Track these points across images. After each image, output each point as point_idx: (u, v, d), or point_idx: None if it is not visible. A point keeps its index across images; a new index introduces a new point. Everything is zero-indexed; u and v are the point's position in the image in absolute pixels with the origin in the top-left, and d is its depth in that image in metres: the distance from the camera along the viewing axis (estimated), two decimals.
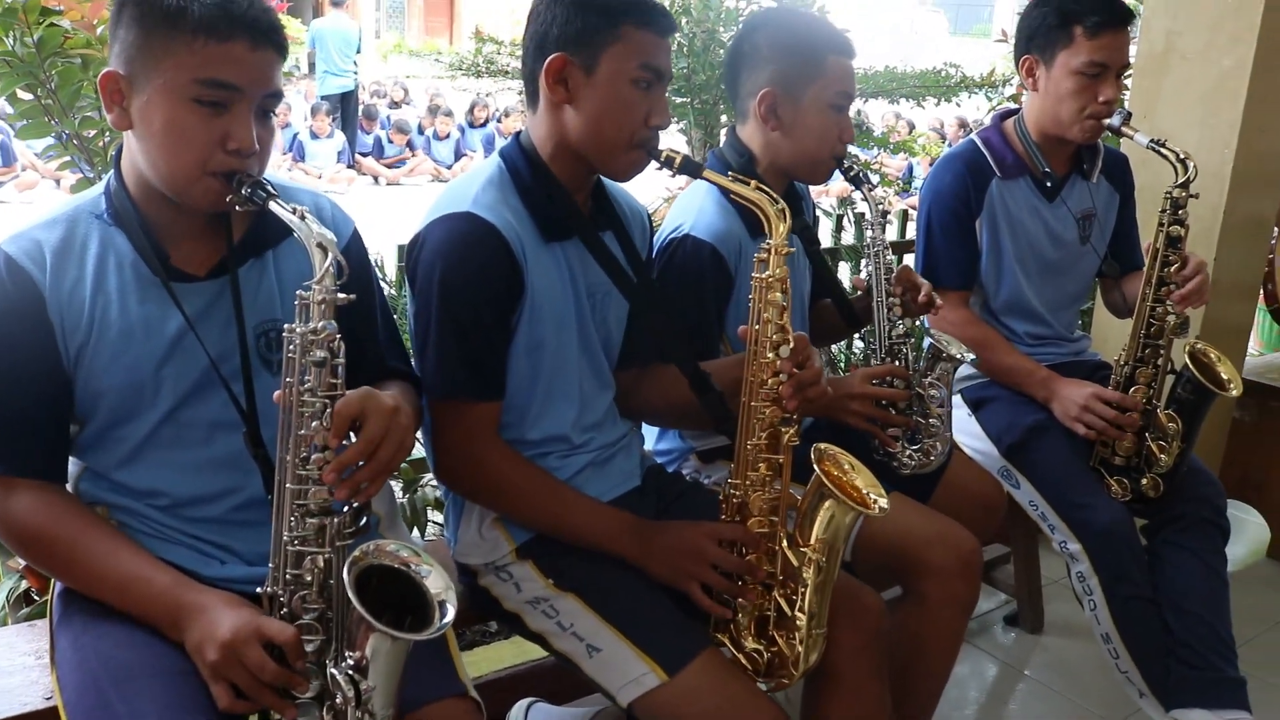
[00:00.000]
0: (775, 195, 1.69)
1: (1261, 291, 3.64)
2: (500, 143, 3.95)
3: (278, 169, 11.27)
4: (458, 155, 12.42)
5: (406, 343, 1.80)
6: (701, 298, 2.00)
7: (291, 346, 1.34)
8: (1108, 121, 2.35)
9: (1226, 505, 2.43)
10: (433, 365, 1.69)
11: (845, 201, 4.08)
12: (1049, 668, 2.82)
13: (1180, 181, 2.25)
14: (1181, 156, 2.25)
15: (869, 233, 2.12)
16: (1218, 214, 3.01)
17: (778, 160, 2.11)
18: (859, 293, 2.19)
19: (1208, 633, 2.29)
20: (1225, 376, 2.27)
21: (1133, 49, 3.63)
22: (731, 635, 1.71)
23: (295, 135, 11.74)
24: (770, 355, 1.68)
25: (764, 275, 1.68)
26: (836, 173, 2.14)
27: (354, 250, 1.66)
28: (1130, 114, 2.35)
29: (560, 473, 1.80)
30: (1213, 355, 2.30)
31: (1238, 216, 3.04)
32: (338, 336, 1.35)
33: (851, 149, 2.16)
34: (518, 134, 1.81)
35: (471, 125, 12.75)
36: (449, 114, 12.76)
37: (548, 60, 1.68)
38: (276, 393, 1.36)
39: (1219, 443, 3.38)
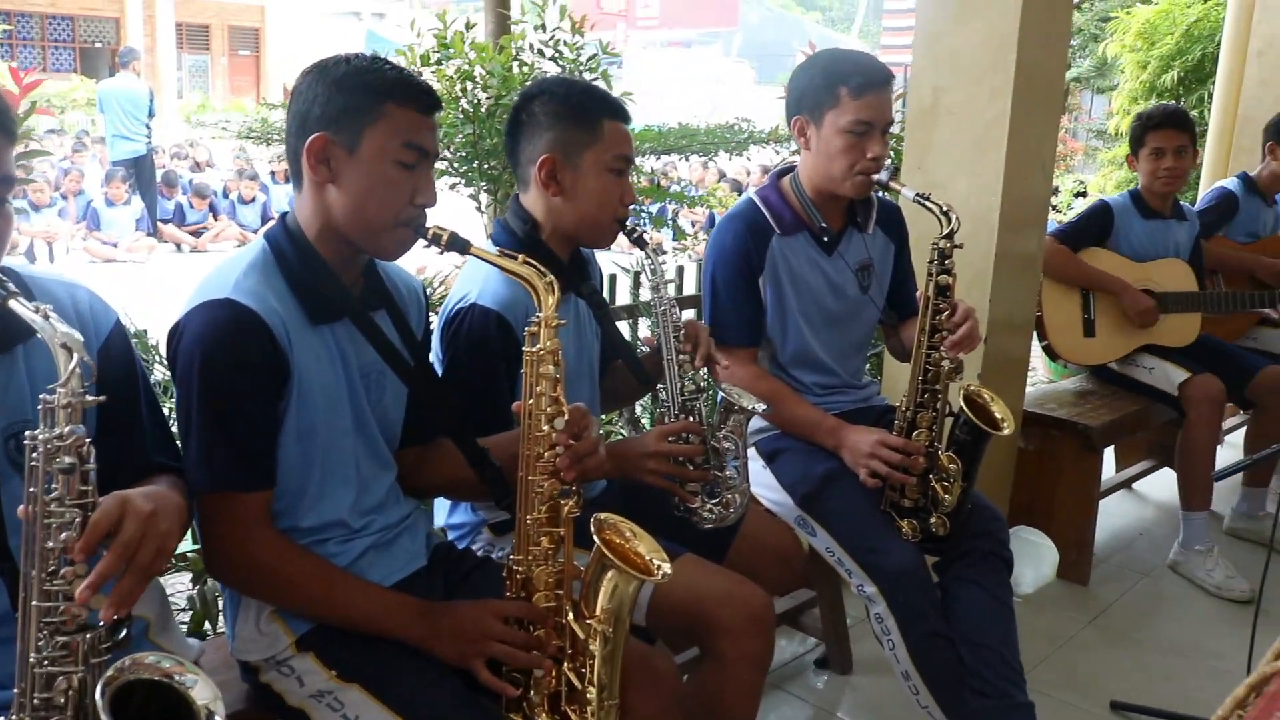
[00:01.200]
0: (543, 269, 1.70)
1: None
2: None
3: (71, 238, 10.81)
4: (264, 219, 12.09)
5: None
6: (491, 369, 1.99)
7: (35, 454, 1.26)
8: (876, 177, 2.44)
9: (1009, 538, 2.55)
10: (196, 457, 1.62)
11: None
12: (859, 707, 2.88)
13: (945, 233, 2.34)
14: (945, 209, 2.35)
15: (655, 292, 2.15)
16: (989, 256, 3.18)
17: (561, 226, 2.13)
18: (649, 350, 2.21)
19: (998, 662, 2.37)
20: (999, 416, 2.38)
21: (901, 104, 3.87)
22: (524, 713, 1.68)
23: (89, 203, 11.20)
24: (545, 428, 1.68)
25: (534, 349, 1.67)
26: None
27: (116, 344, 1.59)
28: (897, 168, 2.47)
29: (339, 559, 1.75)
30: (986, 396, 2.40)
31: (1008, 257, 3.21)
32: (86, 441, 1.27)
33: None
34: (283, 215, 1.76)
35: (275, 180, 12.43)
36: (254, 177, 12.44)
37: (309, 140, 1.65)
38: (21, 507, 1.27)
39: (1006, 472, 3.54)
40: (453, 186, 3.06)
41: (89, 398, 1.28)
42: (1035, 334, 3.86)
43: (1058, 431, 3.53)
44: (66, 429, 1.26)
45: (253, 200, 12.26)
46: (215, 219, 11.83)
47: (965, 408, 2.34)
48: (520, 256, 1.71)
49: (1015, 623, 2.46)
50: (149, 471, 1.59)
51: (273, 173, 12.48)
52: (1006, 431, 2.34)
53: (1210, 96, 6.33)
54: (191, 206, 11.78)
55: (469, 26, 2.93)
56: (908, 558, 2.38)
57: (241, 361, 1.59)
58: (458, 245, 1.72)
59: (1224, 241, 4.24)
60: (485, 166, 2.94)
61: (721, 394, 2.12)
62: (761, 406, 2.12)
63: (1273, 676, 1.14)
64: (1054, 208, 9.51)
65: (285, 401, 1.66)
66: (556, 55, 3.05)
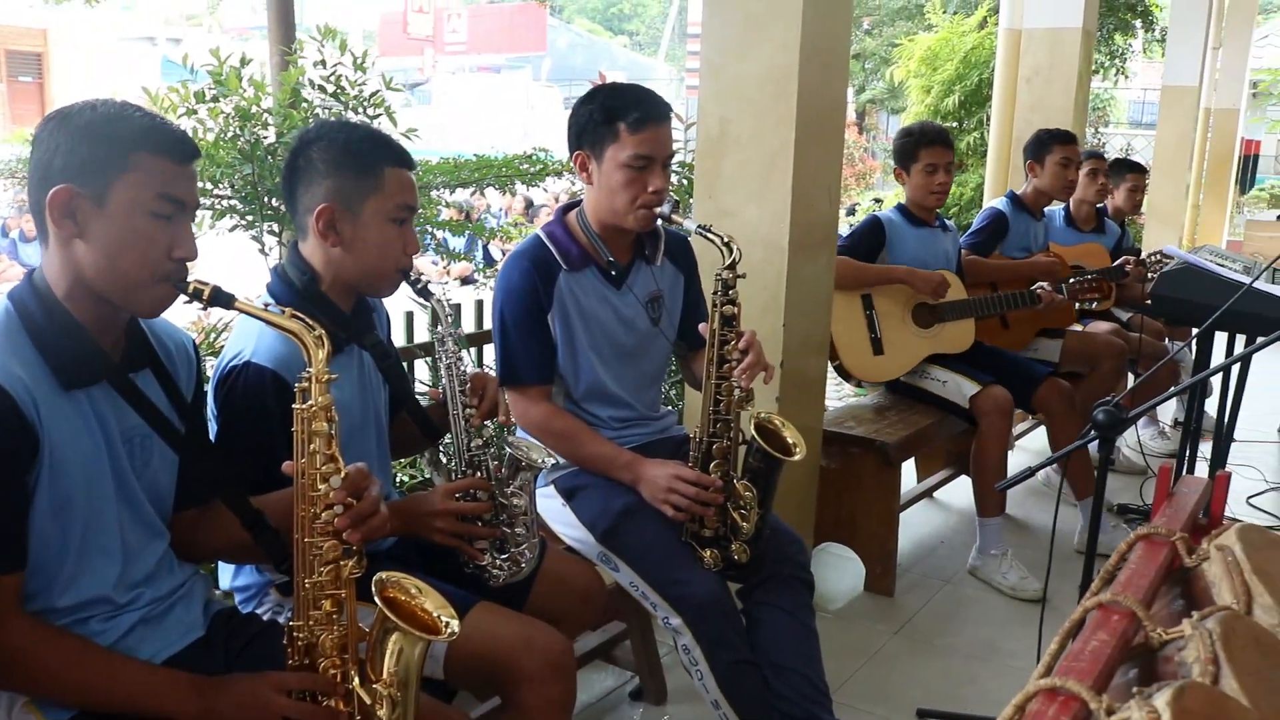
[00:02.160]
0: (311, 323, 1.63)
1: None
2: None
3: None
4: None
5: None
6: (267, 429, 1.88)
7: None
8: (659, 210, 2.46)
9: (809, 560, 2.60)
10: None
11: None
12: None
13: (728, 263, 2.36)
14: (726, 240, 2.38)
15: (441, 345, 2.10)
16: (782, 279, 3.23)
17: (341, 276, 2.06)
18: (435, 403, 2.16)
19: (804, 684, 2.42)
20: (791, 441, 2.42)
21: (688, 135, 3.94)
22: None
23: None
24: (322, 487, 1.61)
25: (305, 406, 1.61)
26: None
27: None
28: (678, 202, 2.49)
29: (104, 637, 1.63)
30: (777, 422, 2.44)
31: (799, 279, 3.27)
32: None
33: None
34: (30, 272, 1.64)
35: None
36: None
37: (51, 192, 1.53)
38: None
39: (810, 490, 3.61)
40: (233, 229, 2.93)
41: None
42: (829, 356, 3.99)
43: (857, 449, 3.63)
44: None
45: (35, 239, 11.52)
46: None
47: (757, 435, 2.37)
48: (288, 311, 1.64)
49: (818, 644, 2.51)
50: None
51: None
52: (798, 457, 2.38)
53: (989, 119, 6.70)
54: None
55: (244, 62, 2.82)
56: (710, 587, 2.40)
57: None
58: (221, 300, 1.63)
59: (1001, 259, 4.47)
60: (267, 208, 2.84)
61: (509, 449, 2.08)
62: (551, 460, 2.11)
63: (1036, 694, 1.17)
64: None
65: (35, 475, 1.53)
66: (339, 92, 2.96)
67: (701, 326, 2.42)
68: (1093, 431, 2.25)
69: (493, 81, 38.37)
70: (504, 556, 2.07)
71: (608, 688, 3.05)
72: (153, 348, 1.74)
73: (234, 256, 3.14)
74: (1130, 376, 5.01)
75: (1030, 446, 5.44)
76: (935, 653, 3.31)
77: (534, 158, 4.23)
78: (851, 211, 12.91)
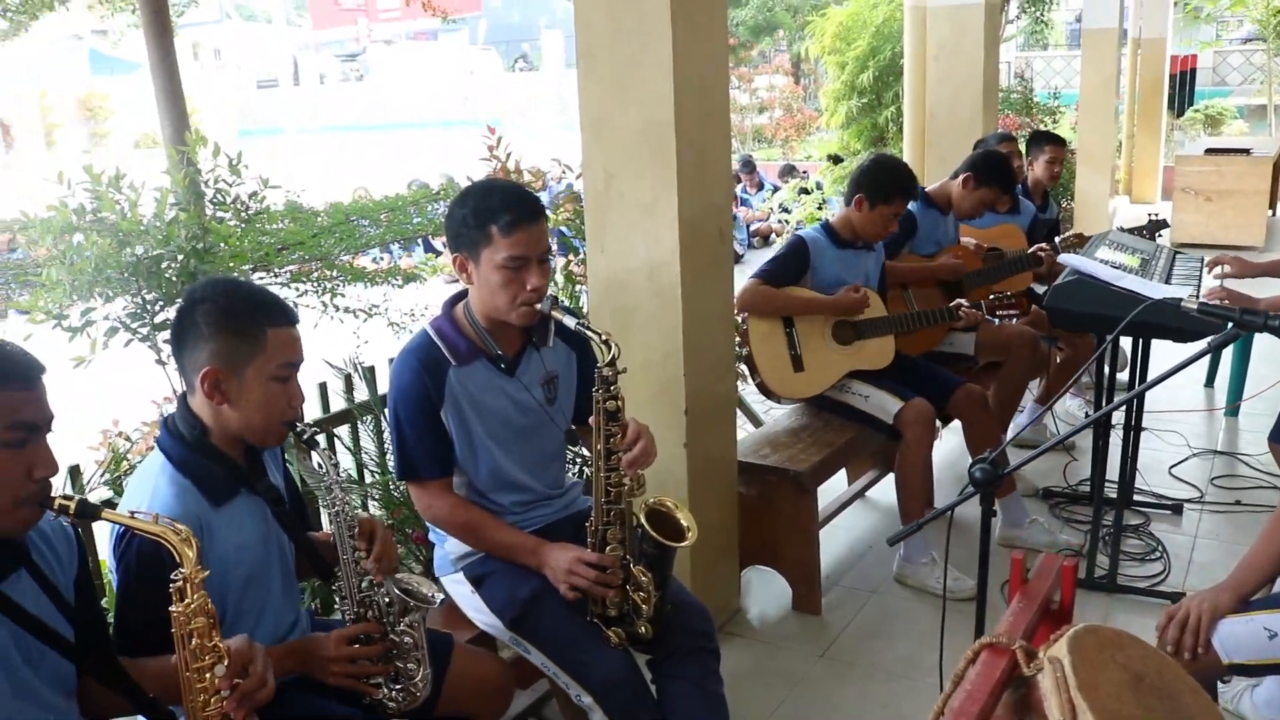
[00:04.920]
0: (179, 526, 1.70)
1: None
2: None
3: None
4: None
5: None
6: (156, 596, 1.90)
7: None
8: (539, 306, 2.50)
9: (713, 629, 2.67)
10: None
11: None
12: None
13: (608, 359, 2.40)
14: (605, 337, 2.42)
15: (329, 492, 2.14)
16: (677, 293, 3.26)
17: (228, 430, 2.11)
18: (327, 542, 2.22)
19: None
20: (685, 524, 2.48)
21: (575, 185, 3.95)
22: None
23: None
24: (207, 678, 1.69)
25: (184, 606, 1.67)
26: None
27: None
28: (556, 298, 2.53)
29: None
30: (670, 505, 2.50)
31: (696, 302, 3.32)
32: None
33: None
34: None
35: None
36: None
37: None
38: None
39: (732, 517, 3.70)
40: (127, 344, 2.96)
41: None
42: (749, 374, 4.06)
43: (773, 477, 3.71)
44: None
45: None
46: None
47: (646, 523, 2.43)
48: (155, 515, 1.72)
49: (726, 709, 2.59)
50: None
51: None
52: (690, 542, 2.45)
53: (904, 92, 6.74)
54: None
55: (118, 178, 2.83)
56: (617, 665, 2.48)
57: None
58: (87, 513, 1.70)
59: (909, 258, 4.54)
60: (156, 322, 2.87)
61: (398, 590, 2.15)
62: (440, 597, 2.18)
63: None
64: (782, 207, 9.96)
65: None
66: (219, 198, 2.99)
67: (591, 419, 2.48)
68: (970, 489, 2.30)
69: (429, 48, 37.93)
70: (398, 688, 2.15)
71: None
72: (23, 547, 1.78)
73: (132, 362, 3.18)
74: (1054, 353, 5.12)
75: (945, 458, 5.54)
76: (858, 674, 3.41)
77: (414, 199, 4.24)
78: (789, 171, 12.90)
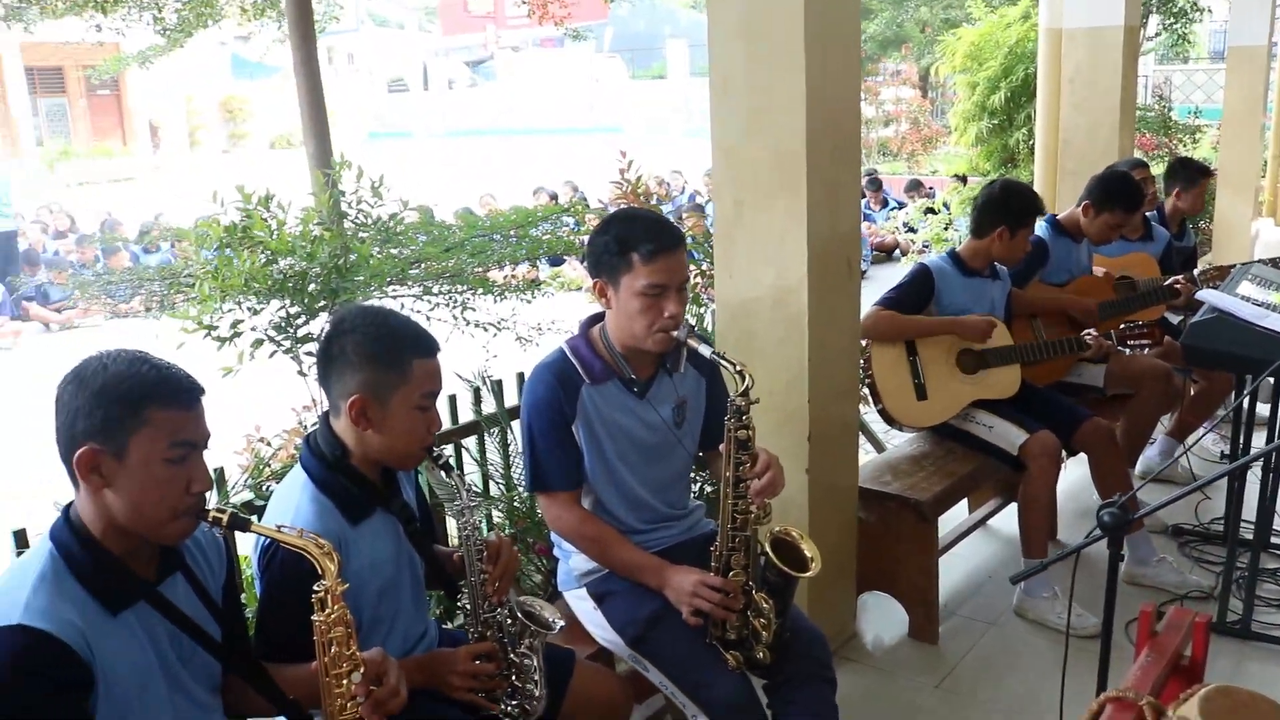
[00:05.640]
0: (321, 540, 1.79)
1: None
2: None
3: None
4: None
5: None
6: (298, 606, 1.97)
7: None
8: (675, 334, 2.56)
9: (830, 657, 2.69)
10: None
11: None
12: None
13: (742, 390, 2.43)
14: (739, 368, 2.45)
15: (460, 516, 2.24)
16: (804, 322, 3.28)
17: (369, 454, 2.22)
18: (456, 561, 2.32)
19: None
20: (808, 555, 2.50)
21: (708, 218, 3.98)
22: None
23: None
24: (344, 683, 1.78)
25: (325, 615, 1.77)
26: None
27: None
28: (693, 326, 2.58)
29: None
30: (795, 535, 2.53)
31: (822, 329, 3.33)
32: None
33: None
34: (68, 509, 1.81)
35: (147, 251, 12.18)
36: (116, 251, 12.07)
37: (77, 454, 1.71)
38: None
39: (850, 542, 3.70)
40: (272, 355, 3.11)
41: None
42: (872, 400, 4.05)
43: (893, 504, 3.70)
44: None
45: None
46: (80, 295, 11.54)
47: (771, 552, 2.46)
48: (300, 530, 1.82)
49: None
50: None
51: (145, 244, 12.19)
52: (813, 572, 2.47)
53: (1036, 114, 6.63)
54: (54, 283, 11.48)
55: (268, 198, 2.98)
56: (735, 689, 2.51)
57: (42, 685, 1.65)
58: (238, 525, 1.81)
59: (1040, 286, 4.47)
60: (299, 335, 3.01)
61: (520, 614, 2.23)
62: (560, 623, 2.25)
63: None
64: (907, 226, 9.84)
65: (93, 700, 1.72)
66: (361, 220, 3.12)
67: (721, 446, 2.52)
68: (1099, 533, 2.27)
69: (556, 55, 38.45)
70: (515, 704, 2.25)
71: None
72: (179, 552, 1.91)
73: (275, 372, 3.33)
74: (1188, 385, 4.98)
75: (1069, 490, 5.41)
76: (975, 708, 3.38)
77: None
78: (915, 186, 12.74)
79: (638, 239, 2.52)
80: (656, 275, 2.52)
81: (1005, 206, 3.96)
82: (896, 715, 3.35)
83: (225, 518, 1.80)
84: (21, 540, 2.56)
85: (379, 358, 2.15)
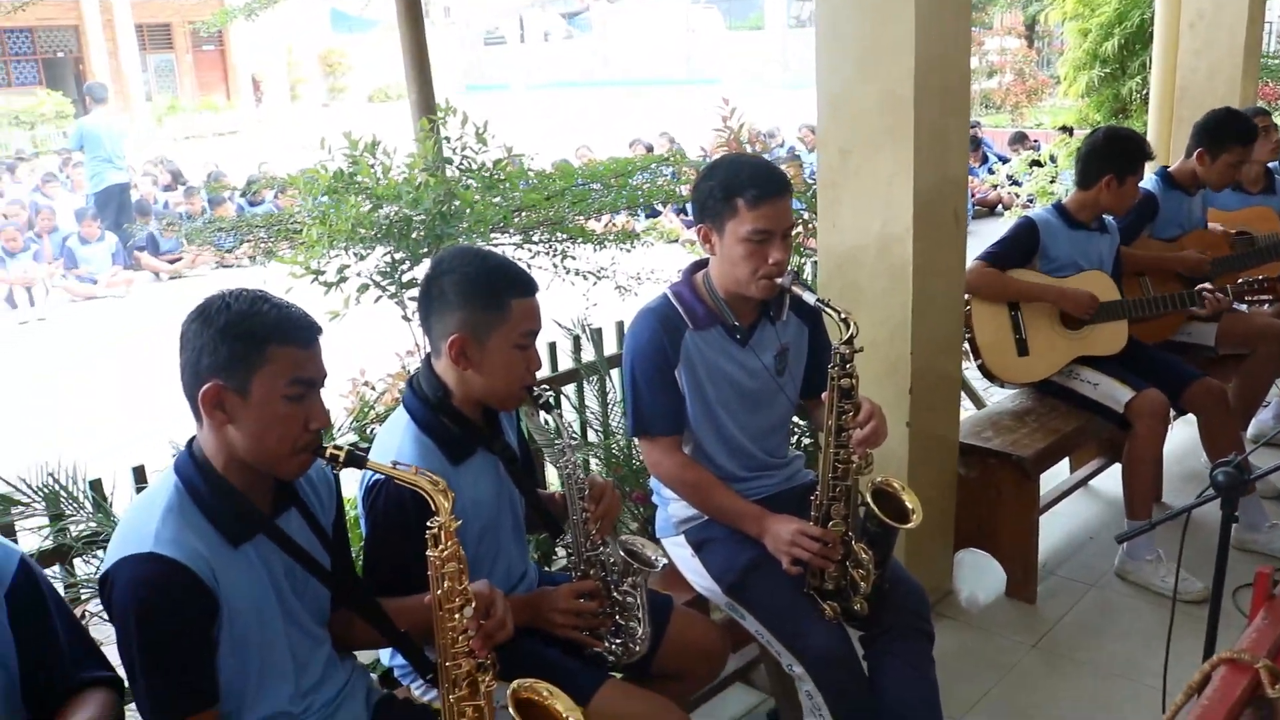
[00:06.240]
0: (435, 477, 1.83)
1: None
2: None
3: (50, 278, 10.87)
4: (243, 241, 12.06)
5: None
6: (408, 540, 2.04)
7: None
8: (779, 281, 2.54)
9: (929, 610, 2.67)
10: (145, 697, 1.77)
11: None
12: None
13: (845, 338, 2.40)
14: (844, 315, 2.42)
15: (561, 455, 2.27)
16: (908, 272, 3.24)
17: (471, 393, 2.25)
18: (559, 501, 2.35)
19: None
20: (909, 506, 2.47)
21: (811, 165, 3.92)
22: None
23: (65, 240, 11.27)
24: (456, 618, 1.83)
25: (438, 552, 1.81)
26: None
27: (20, 584, 1.73)
28: (797, 273, 2.55)
29: None
30: (896, 485, 2.50)
31: (926, 280, 3.28)
32: None
33: None
34: (190, 443, 1.88)
35: (251, 203, 12.44)
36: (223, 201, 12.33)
37: (202, 389, 1.77)
38: None
39: (949, 498, 3.66)
40: (377, 300, 3.16)
41: None
42: (971, 356, 3.97)
43: (994, 460, 3.64)
44: None
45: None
46: (189, 243, 11.86)
47: (872, 502, 2.44)
48: (414, 468, 1.85)
49: (938, 694, 2.58)
50: (78, 687, 1.73)
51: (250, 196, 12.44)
52: (914, 524, 2.45)
53: (1151, 62, 6.38)
54: (163, 234, 11.82)
55: (374, 144, 3.02)
56: (831, 639, 2.51)
57: (174, 612, 1.73)
58: (354, 462, 1.86)
59: (1149, 242, 4.32)
60: (404, 280, 3.06)
61: (623, 552, 2.25)
62: (662, 562, 2.26)
63: None
64: (1010, 178, 9.57)
65: (217, 627, 1.79)
66: (466, 165, 3.14)
67: (824, 395, 2.50)
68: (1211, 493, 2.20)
69: (652, 6, 38.13)
70: (617, 641, 2.28)
71: (747, 707, 3.20)
72: (295, 490, 1.97)
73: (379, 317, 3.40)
74: None
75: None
76: (1074, 669, 3.33)
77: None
78: (1019, 139, 12.38)
79: (743, 184, 2.50)
80: (762, 221, 2.50)
81: (1111, 153, 3.84)
82: (993, 673, 3.31)
83: (342, 454, 1.84)
84: (140, 476, 2.67)
85: (477, 297, 2.17)
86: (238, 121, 27.62)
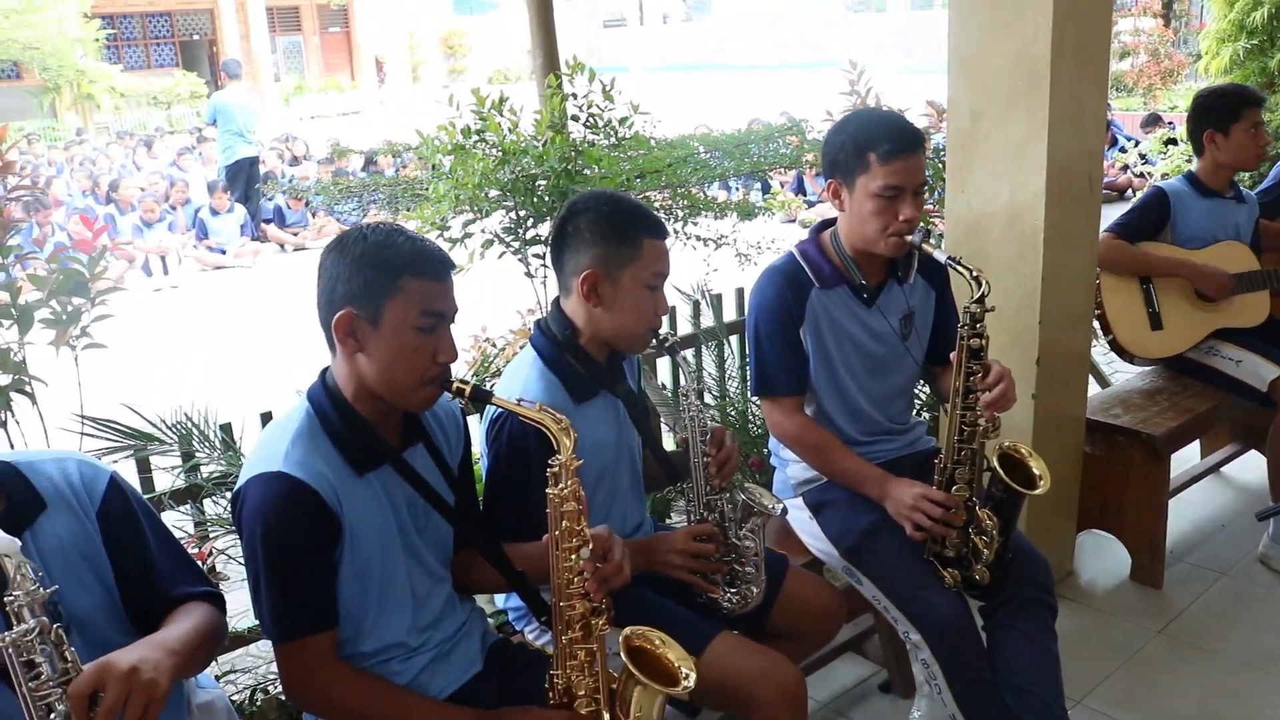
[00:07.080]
0: (558, 415, 1.84)
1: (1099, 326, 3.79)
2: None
3: (183, 248, 11.28)
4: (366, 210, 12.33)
5: None
6: (527, 474, 2.09)
7: (9, 653, 1.40)
8: (909, 239, 2.48)
9: (1053, 583, 2.59)
10: (267, 611, 1.82)
11: None
12: None
13: (976, 297, 2.33)
14: (975, 274, 2.35)
15: (684, 398, 2.26)
16: (1039, 240, 3.14)
17: (599, 333, 2.26)
18: (679, 449, 2.33)
19: (1041, 709, 2.44)
20: (1036, 472, 2.40)
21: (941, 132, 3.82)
22: None
23: (196, 212, 11.67)
24: (573, 559, 1.83)
25: (557, 490, 1.82)
26: None
27: (112, 502, 1.75)
28: (928, 232, 2.49)
29: (401, 677, 1.93)
30: (1024, 451, 2.43)
31: (1058, 250, 3.18)
32: (54, 627, 1.43)
33: None
34: (323, 373, 1.92)
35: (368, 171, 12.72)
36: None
37: (336, 316, 1.80)
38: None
39: (1074, 476, 3.55)
40: (501, 255, 3.19)
41: (42, 590, 1.43)
42: (1100, 331, 3.83)
43: (1122, 438, 3.52)
44: (31, 624, 1.41)
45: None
46: (314, 216, 12.19)
47: (999, 468, 2.38)
48: (539, 405, 1.88)
49: (1059, 668, 2.51)
50: (177, 603, 1.77)
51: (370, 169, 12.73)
52: (1042, 490, 2.38)
53: None
54: (289, 207, 12.15)
55: (501, 102, 3.04)
56: (951, 607, 2.46)
57: (298, 529, 1.78)
58: (480, 397, 1.88)
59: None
60: (527, 237, 3.08)
61: (742, 496, 2.23)
62: (780, 507, 2.23)
63: None
64: (1143, 157, 9.20)
65: (339, 551, 1.84)
66: (592, 123, 3.15)
67: (951, 355, 2.44)
68: None
69: None
70: (733, 590, 2.26)
71: (858, 678, 3.16)
72: (422, 424, 2.00)
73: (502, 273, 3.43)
74: None
75: None
76: (1201, 659, 3.20)
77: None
78: (1153, 121, 11.93)
79: (876, 139, 2.46)
80: (893, 176, 2.45)
81: (1204, 109, 3.72)
82: (1115, 657, 3.21)
83: (469, 389, 1.86)
84: (268, 421, 2.74)
85: (612, 234, 2.18)
86: (361, 101, 28.28)
